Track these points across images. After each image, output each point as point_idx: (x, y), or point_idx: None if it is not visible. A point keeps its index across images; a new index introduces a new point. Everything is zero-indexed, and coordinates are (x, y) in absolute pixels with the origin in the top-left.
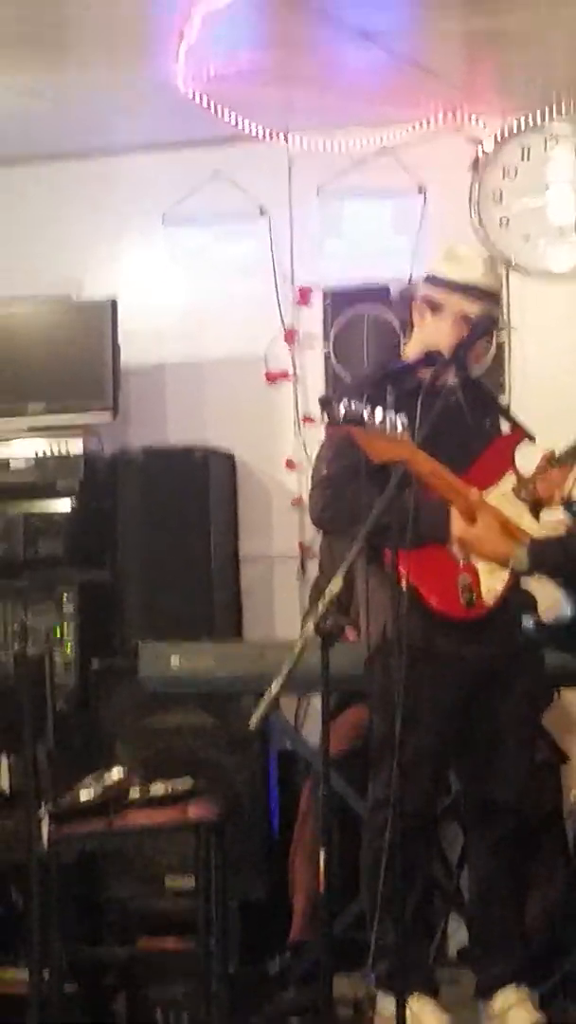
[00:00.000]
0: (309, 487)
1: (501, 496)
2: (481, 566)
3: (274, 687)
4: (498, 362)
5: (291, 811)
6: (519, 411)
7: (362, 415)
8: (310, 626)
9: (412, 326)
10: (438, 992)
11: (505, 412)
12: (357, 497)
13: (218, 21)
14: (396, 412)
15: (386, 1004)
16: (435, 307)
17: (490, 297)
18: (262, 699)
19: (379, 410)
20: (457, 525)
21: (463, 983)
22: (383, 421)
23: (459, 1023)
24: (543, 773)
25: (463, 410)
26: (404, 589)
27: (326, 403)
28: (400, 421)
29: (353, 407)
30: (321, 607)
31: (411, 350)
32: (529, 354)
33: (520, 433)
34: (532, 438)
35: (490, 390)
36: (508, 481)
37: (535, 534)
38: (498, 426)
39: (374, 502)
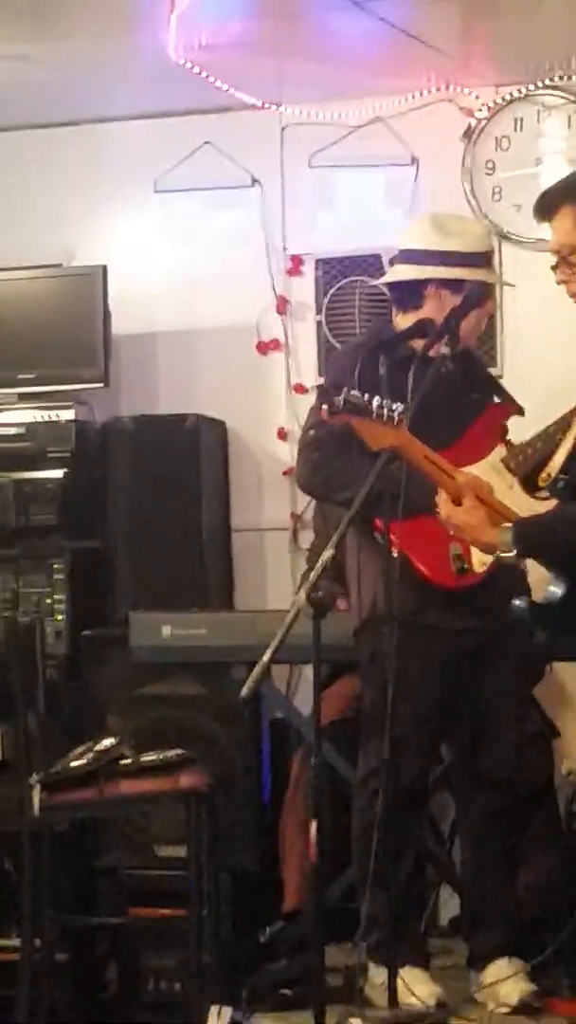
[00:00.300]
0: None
1: (489, 467)
2: None
3: (265, 656)
4: (490, 333)
5: (283, 780)
6: (511, 382)
7: (364, 404)
8: (302, 595)
9: (414, 307)
10: (429, 963)
11: (496, 384)
12: (345, 462)
13: None
14: (388, 381)
15: (377, 974)
16: (455, 286)
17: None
18: (253, 668)
19: (376, 398)
20: (445, 507)
21: (455, 953)
22: (381, 407)
23: (450, 993)
24: (535, 746)
25: (455, 381)
26: (395, 557)
27: (325, 394)
28: (396, 407)
29: (353, 397)
30: (313, 576)
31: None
32: (521, 325)
33: (511, 405)
34: (522, 411)
35: (482, 361)
36: (497, 453)
37: (522, 508)
38: (489, 398)
39: (363, 469)
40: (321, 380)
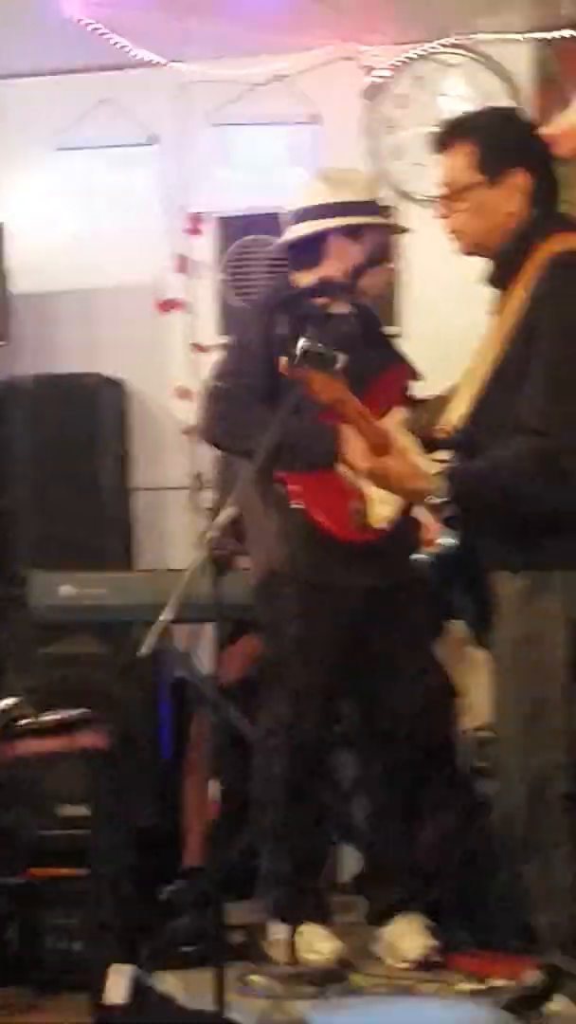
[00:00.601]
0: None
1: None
2: (373, 492)
3: (165, 615)
4: (390, 291)
5: (184, 739)
6: (410, 341)
7: (330, 357)
8: (202, 553)
9: (314, 264)
10: (330, 919)
11: (396, 346)
12: (249, 413)
13: None
14: (290, 338)
15: (278, 931)
16: (354, 235)
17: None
18: (153, 627)
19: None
20: (367, 458)
21: (356, 911)
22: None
23: (351, 950)
24: (436, 703)
25: (356, 340)
26: (296, 509)
27: (308, 354)
28: (342, 359)
29: (318, 348)
30: (212, 534)
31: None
32: (422, 283)
33: (409, 368)
34: (419, 375)
35: (382, 322)
36: (394, 415)
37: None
38: (389, 359)
39: (266, 420)
40: (222, 339)
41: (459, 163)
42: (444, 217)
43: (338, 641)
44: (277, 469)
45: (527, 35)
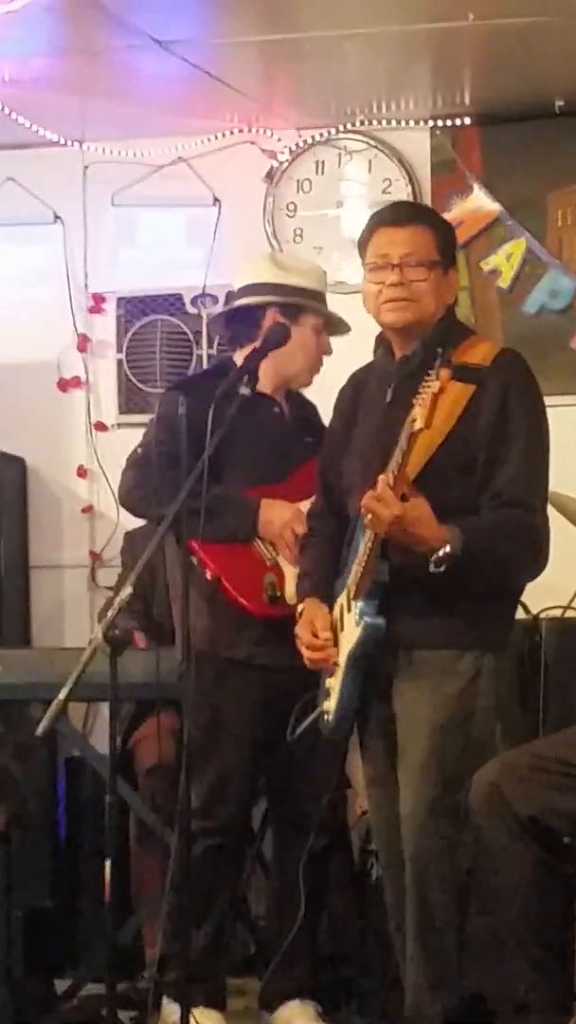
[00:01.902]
0: (107, 490)
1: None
2: (287, 570)
3: (61, 694)
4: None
5: (79, 818)
6: None
7: None
8: (99, 633)
9: (251, 339)
10: (225, 1004)
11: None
12: (168, 480)
13: (12, 24)
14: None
15: (171, 1011)
16: (293, 313)
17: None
18: (50, 706)
19: None
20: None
21: (248, 993)
22: None
23: None
24: (334, 788)
25: (286, 423)
26: (209, 579)
27: None
28: None
29: None
30: (110, 613)
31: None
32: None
33: None
34: None
35: (313, 407)
36: None
37: None
38: (318, 445)
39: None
40: (122, 418)
41: (423, 240)
42: (393, 288)
43: (257, 722)
44: (191, 537)
45: (425, 122)
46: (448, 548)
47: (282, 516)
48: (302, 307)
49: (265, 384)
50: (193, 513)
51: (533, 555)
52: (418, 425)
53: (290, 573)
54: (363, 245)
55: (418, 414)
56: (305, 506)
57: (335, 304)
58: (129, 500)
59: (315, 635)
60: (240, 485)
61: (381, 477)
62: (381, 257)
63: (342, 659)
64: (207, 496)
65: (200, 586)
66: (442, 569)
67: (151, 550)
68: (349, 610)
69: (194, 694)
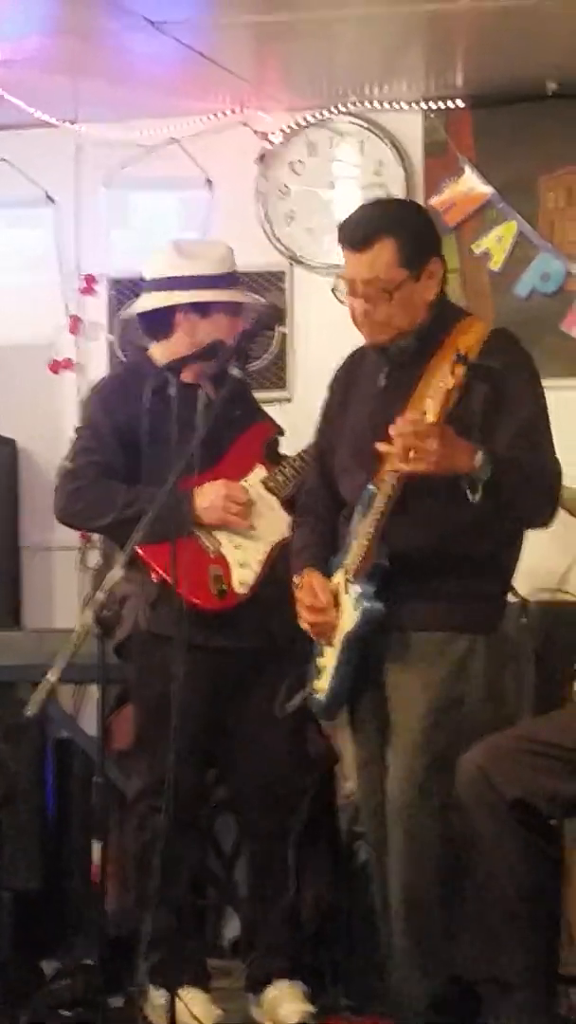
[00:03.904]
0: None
1: (251, 488)
2: (232, 558)
3: (51, 675)
4: (279, 356)
5: (68, 800)
6: (300, 405)
7: None
8: (88, 614)
9: (164, 335)
10: (209, 984)
11: (256, 404)
12: (103, 490)
13: (5, 4)
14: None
15: (157, 996)
16: (203, 309)
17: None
18: (39, 687)
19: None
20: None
21: (235, 975)
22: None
23: (230, 1015)
24: (316, 768)
25: (211, 407)
26: (155, 583)
27: None
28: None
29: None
30: (99, 595)
31: (175, 352)
32: (312, 348)
33: (271, 426)
34: (282, 431)
35: (238, 380)
36: (257, 473)
37: (281, 528)
38: (251, 417)
39: (120, 496)
40: None
41: (383, 260)
42: (364, 314)
43: (206, 702)
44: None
45: (418, 104)
46: (480, 455)
47: (217, 497)
48: (210, 303)
49: (188, 374)
50: (135, 518)
51: (548, 496)
52: (429, 419)
53: (235, 562)
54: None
55: (430, 407)
56: (249, 479)
57: (325, 284)
58: (64, 516)
59: (315, 598)
60: (176, 480)
61: (408, 416)
62: (348, 282)
63: (337, 640)
64: (140, 501)
65: (147, 587)
66: (478, 496)
67: (131, 544)
68: (346, 591)
69: (140, 675)
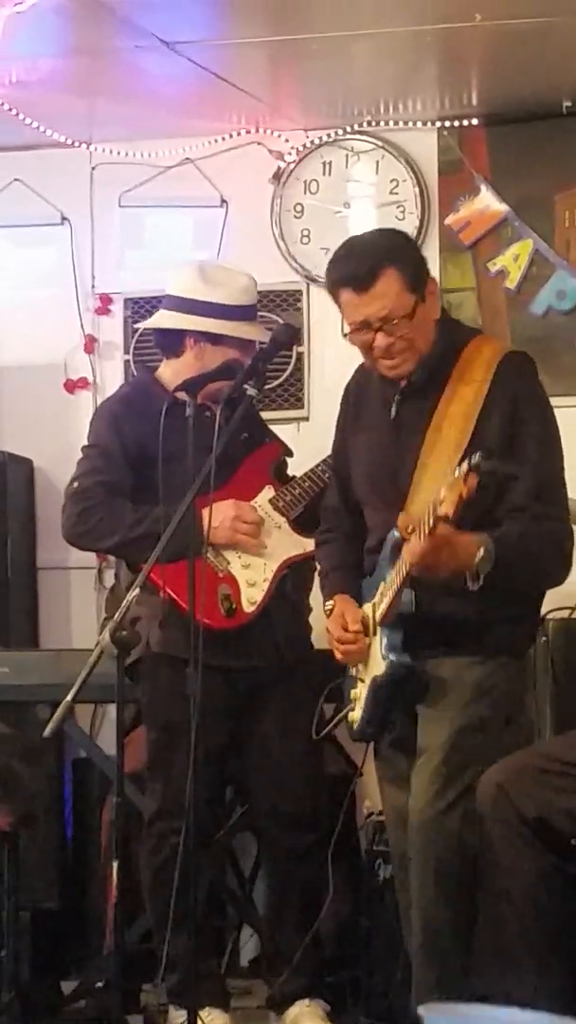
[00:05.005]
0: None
1: (259, 508)
2: (241, 578)
3: (69, 695)
4: (296, 376)
5: (86, 820)
6: (316, 425)
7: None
8: (106, 634)
9: (175, 354)
10: (229, 1004)
11: (264, 424)
12: (110, 511)
13: (21, 25)
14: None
15: (177, 1016)
16: (214, 339)
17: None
18: (57, 707)
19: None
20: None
21: (254, 994)
22: None
23: None
24: (336, 786)
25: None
26: (164, 601)
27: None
28: None
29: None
30: (117, 615)
31: (182, 374)
32: (328, 367)
33: (279, 446)
34: (290, 452)
35: (247, 401)
36: (265, 493)
37: (288, 548)
38: (257, 438)
39: (127, 516)
40: None
41: (393, 291)
42: (387, 348)
43: (219, 722)
44: (141, 560)
45: (432, 123)
46: (483, 552)
47: (226, 517)
48: (222, 334)
49: (200, 393)
50: (143, 538)
51: (561, 561)
52: (444, 510)
53: (243, 581)
54: (334, 299)
55: (446, 500)
56: (258, 500)
57: None
58: (71, 536)
59: (345, 629)
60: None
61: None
62: (359, 323)
63: (367, 678)
64: (148, 521)
65: (155, 608)
66: (480, 584)
67: (160, 546)
68: (374, 632)
69: (151, 697)
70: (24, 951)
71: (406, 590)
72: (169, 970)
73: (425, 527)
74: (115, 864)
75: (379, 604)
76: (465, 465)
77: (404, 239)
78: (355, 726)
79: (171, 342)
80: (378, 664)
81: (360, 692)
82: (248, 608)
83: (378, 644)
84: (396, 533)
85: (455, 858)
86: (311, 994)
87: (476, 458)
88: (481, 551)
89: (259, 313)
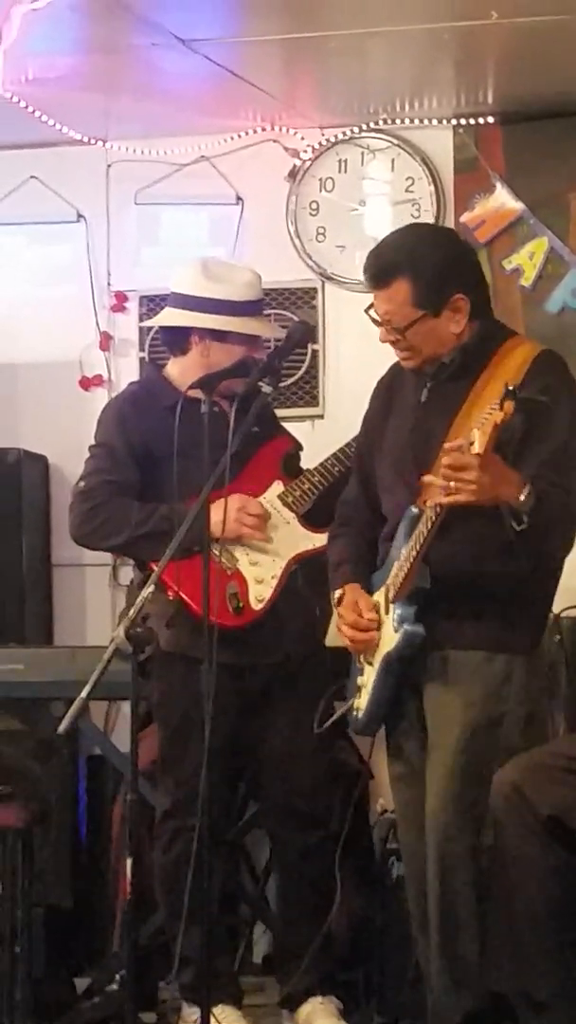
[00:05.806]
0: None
1: (268, 503)
2: (249, 575)
3: (83, 692)
4: (312, 373)
5: (100, 817)
6: (332, 421)
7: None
8: (120, 631)
9: (181, 351)
10: (242, 1001)
11: (275, 418)
12: (117, 509)
13: (37, 23)
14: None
15: (190, 1013)
16: (220, 336)
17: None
18: (72, 704)
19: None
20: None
21: (268, 991)
22: None
23: None
24: (348, 784)
25: (227, 418)
26: (171, 600)
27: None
28: None
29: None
30: (132, 612)
31: (188, 371)
32: (343, 365)
33: (289, 441)
34: (300, 447)
35: (258, 395)
36: (275, 488)
37: (298, 544)
38: (267, 433)
39: (133, 514)
40: None
41: (397, 300)
42: (392, 344)
43: (229, 720)
44: (148, 559)
45: (448, 121)
46: (528, 488)
47: (230, 510)
48: (228, 331)
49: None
50: (150, 536)
51: (573, 527)
52: (476, 450)
53: (251, 578)
54: None
55: (477, 438)
56: (267, 497)
57: (356, 300)
58: (79, 535)
59: (359, 616)
60: (207, 496)
61: (451, 445)
62: (374, 313)
63: (376, 660)
64: (154, 519)
65: (162, 605)
66: (524, 525)
67: (174, 545)
68: (387, 612)
69: (162, 695)
70: (38, 948)
71: (423, 565)
72: (182, 967)
73: (471, 450)
74: (128, 861)
75: (392, 585)
76: (503, 391)
77: (438, 250)
78: (360, 714)
79: (177, 340)
80: (390, 641)
81: (367, 677)
82: (256, 606)
83: (389, 624)
84: (414, 509)
85: (471, 858)
86: (324, 991)
87: (511, 385)
88: (527, 488)
89: (275, 311)
